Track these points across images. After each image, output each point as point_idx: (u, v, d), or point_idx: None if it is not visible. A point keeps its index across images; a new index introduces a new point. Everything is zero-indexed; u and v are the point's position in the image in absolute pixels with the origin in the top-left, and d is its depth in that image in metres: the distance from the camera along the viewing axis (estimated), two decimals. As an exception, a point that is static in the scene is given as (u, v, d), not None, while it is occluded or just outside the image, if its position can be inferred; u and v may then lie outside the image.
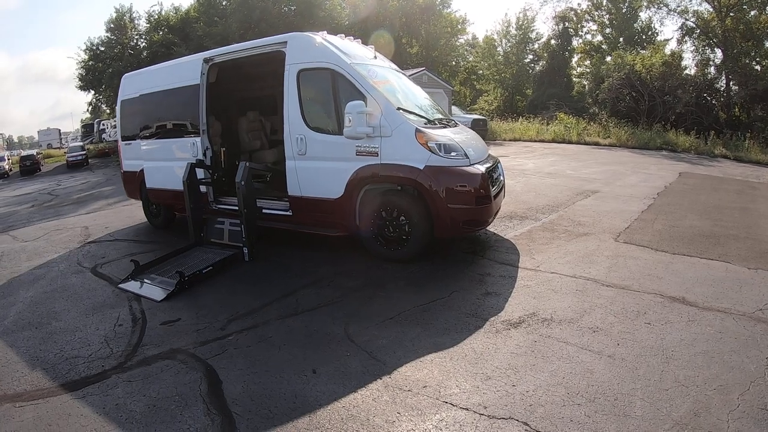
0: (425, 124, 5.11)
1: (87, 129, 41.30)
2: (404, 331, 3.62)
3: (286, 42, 5.47)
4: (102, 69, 29.47)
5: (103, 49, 30.64)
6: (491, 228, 6.23)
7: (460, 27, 29.94)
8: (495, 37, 35.15)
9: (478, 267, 4.88)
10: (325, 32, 5.58)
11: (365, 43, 6.18)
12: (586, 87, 31.40)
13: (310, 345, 3.53)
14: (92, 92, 32.50)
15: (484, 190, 4.78)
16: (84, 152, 29.73)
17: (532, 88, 33.45)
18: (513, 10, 77.92)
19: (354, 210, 5.16)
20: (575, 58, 34.88)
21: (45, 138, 58.82)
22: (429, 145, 4.72)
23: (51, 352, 3.82)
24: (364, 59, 5.50)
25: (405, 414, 2.66)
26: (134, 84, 7.30)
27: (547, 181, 10.01)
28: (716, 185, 9.74)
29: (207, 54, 6.29)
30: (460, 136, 5.24)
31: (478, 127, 21.07)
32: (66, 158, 30.48)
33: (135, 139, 7.37)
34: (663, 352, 3.05)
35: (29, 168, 29.10)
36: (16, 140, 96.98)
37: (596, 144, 18.46)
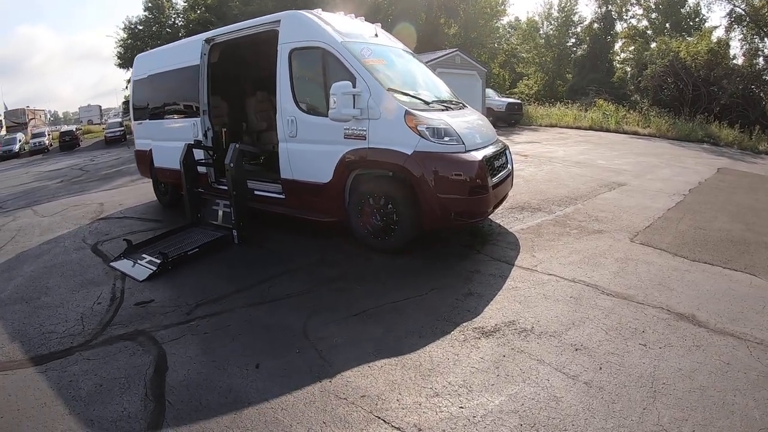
0: (422, 106, 4.62)
1: (127, 105, 42.92)
2: (365, 331, 3.28)
3: (279, 21, 5.12)
4: (140, 47, 29.70)
5: (141, 27, 30.94)
6: (497, 219, 5.72)
7: (500, 8, 28.21)
8: (537, 18, 33.22)
9: (470, 262, 4.41)
10: (320, 9, 5.14)
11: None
12: (628, 73, 29.08)
13: (264, 337, 3.31)
14: (130, 70, 33.14)
15: (480, 180, 4.28)
16: (122, 128, 29.74)
17: (573, 72, 31.35)
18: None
19: (343, 196, 4.81)
20: (619, 44, 32.38)
21: (86, 114, 58.85)
22: (419, 128, 4.25)
23: (32, 326, 3.84)
24: (360, 37, 5.03)
25: (330, 425, 2.36)
26: (145, 64, 7.21)
27: (573, 170, 9.21)
28: (756, 184, 8.58)
29: (209, 34, 6.02)
30: (458, 119, 4.70)
31: (512, 111, 20.08)
32: (104, 134, 30.84)
33: (144, 119, 7.30)
34: (652, 384, 2.53)
35: (68, 143, 29.19)
36: (61, 116, 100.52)
37: (635, 133, 16.98)
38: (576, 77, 30.21)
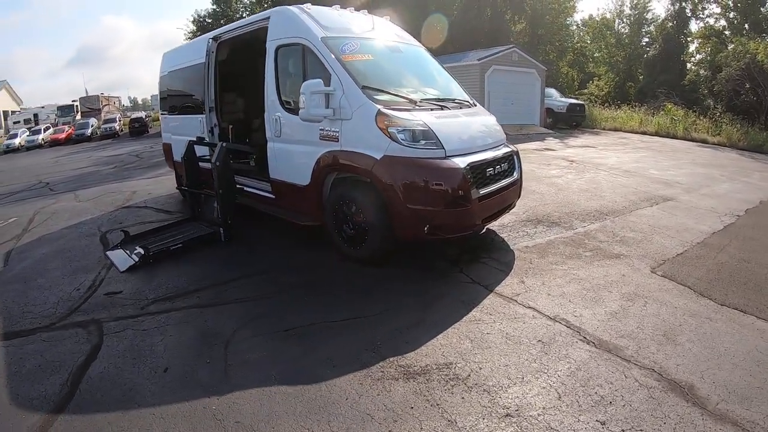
0: (406, 105, 4.02)
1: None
2: (284, 350, 2.92)
3: (269, 17, 4.81)
4: None
5: (209, 21, 30.77)
6: (505, 232, 4.99)
7: (568, 5, 25.74)
8: (608, 16, 30.03)
9: (444, 283, 3.78)
10: (309, 4, 4.70)
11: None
12: (702, 76, 25.38)
13: (190, 342, 3.14)
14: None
15: (459, 190, 3.64)
16: None
17: (644, 73, 27.98)
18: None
19: (321, 199, 4.39)
20: (694, 45, 28.35)
21: (157, 102, 64.11)
22: (389, 130, 3.68)
23: (18, 304, 3.99)
24: (348, 32, 4.52)
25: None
26: (167, 61, 7.30)
27: (617, 180, 7.99)
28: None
29: (216, 32, 5.84)
30: (447, 120, 4.05)
31: (574, 112, 18.37)
32: None
33: (165, 113, 7.46)
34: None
35: (137, 129, 29.09)
36: (140, 102, 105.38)
37: (703, 141, 14.72)
38: (646, 79, 26.87)
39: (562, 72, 26.77)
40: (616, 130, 17.76)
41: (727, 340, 2.85)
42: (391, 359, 2.72)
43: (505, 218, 5.44)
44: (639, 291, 3.56)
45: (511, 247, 4.55)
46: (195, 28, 30.93)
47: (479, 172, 3.81)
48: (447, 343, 2.88)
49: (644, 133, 16.37)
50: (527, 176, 8.48)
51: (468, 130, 4.18)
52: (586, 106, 19.85)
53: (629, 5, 30.98)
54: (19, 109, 42.26)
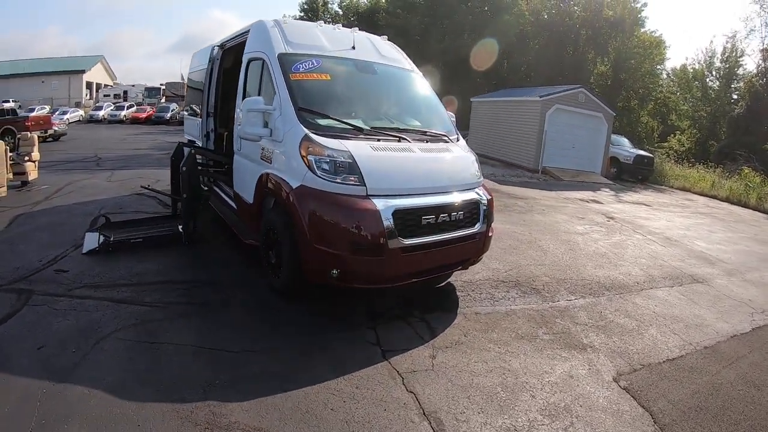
0: (344, 132, 3.50)
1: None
2: (130, 361, 2.79)
3: (249, 30, 4.62)
4: None
5: None
6: (464, 289, 4.31)
7: (656, 51, 23.17)
8: (696, 66, 26.60)
9: (340, 339, 3.19)
10: (285, 16, 4.39)
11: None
12: None
13: (74, 329, 3.11)
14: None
15: (373, 237, 3.07)
16: None
17: (727, 132, 24.24)
18: (720, 39, 54.47)
19: (259, 220, 4.08)
20: None
21: None
22: (308, 158, 3.26)
23: None
24: (316, 49, 4.11)
25: None
26: (192, 62, 7.49)
27: (650, 247, 6.76)
28: None
29: (224, 39, 5.78)
30: (385, 154, 3.45)
31: (641, 165, 16.49)
32: None
33: (185, 113, 7.65)
34: None
35: None
36: None
37: (776, 214, 12.43)
38: (728, 138, 23.23)
39: (641, 121, 24.23)
40: (684, 189, 15.61)
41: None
42: (210, 402, 2.41)
43: (479, 273, 4.72)
44: (575, 404, 2.72)
45: (459, 311, 3.85)
46: None
47: (410, 219, 3.22)
48: (277, 406, 2.42)
49: (714, 197, 14.17)
50: (545, 228, 7.62)
51: (413, 168, 3.54)
52: (655, 159, 17.66)
53: (720, 58, 27.55)
54: (112, 84, 45.45)
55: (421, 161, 3.58)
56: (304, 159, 3.24)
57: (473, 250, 3.79)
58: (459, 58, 25.61)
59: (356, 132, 3.53)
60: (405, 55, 5.01)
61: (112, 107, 32.11)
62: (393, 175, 3.33)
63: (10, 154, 6.98)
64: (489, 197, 3.93)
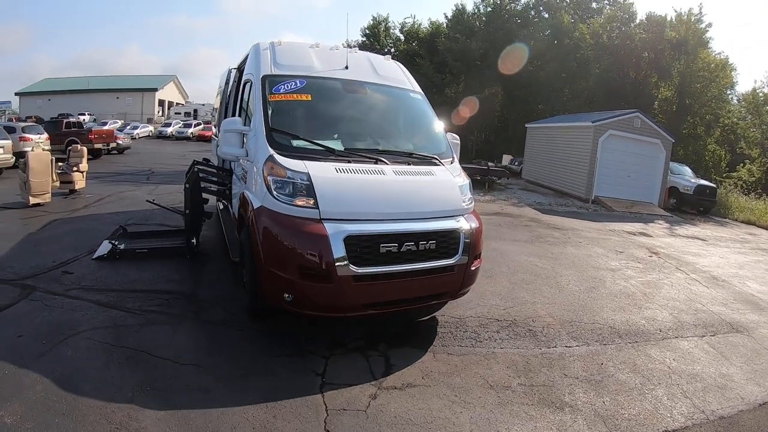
0: (315, 153, 3.42)
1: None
2: (85, 360, 2.96)
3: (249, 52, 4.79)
4: None
5: None
6: (446, 326, 4.01)
7: (722, 74, 20.97)
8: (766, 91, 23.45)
9: (282, 365, 3.10)
10: (281, 39, 4.53)
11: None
12: None
13: (53, 324, 3.40)
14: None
15: (319, 262, 2.97)
16: None
17: None
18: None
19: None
20: None
21: None
22: (268, 179, 3.24)
23: (13, 259, 4.83)
24: (305, 70, 4.08)
25: None
26: (221, 80, 7.76)
27: (690, 288, 6.00)
28: None
29: (240, 61, 6.07)
30: (349, 177, 3.30)
31: (703, 196, 15.02)
32: None
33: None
34: None
35: None
36: None
37: None
38: None
39: (708, 149, 22.06)
40: (749, 223, 13.91)
41: None
42: (132, 406, 2.52)
43: (472, 309, 4.43)
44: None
45: (432, 349, 3.55)
46: None
47: (366, 246, 3.05)
48: (189, 421, 2.43)
49: (783, 233, 12.35)
50: (573, 262, 7.04)
51: (377, 192, 3.33)
52: (719, 190, 15.95)
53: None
54: (184, 102, 49.05)
55: (388, 185, 3.37)
56: (265, 180, 3.24)
57: (450, 283, 3.51)
58: (519, 83, 25.17)
59: (327, 153, 3.46)
60: (408, 75, 4.87)
61: (180, 124, 34.63)
62: (352, 200, 3.19)
63: (59, 164, 7.78)
64: (474, 226, 3.65)
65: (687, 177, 15.87)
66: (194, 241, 5.22)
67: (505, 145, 25.32)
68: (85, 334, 3.29)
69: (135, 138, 27.24)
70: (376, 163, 3.54)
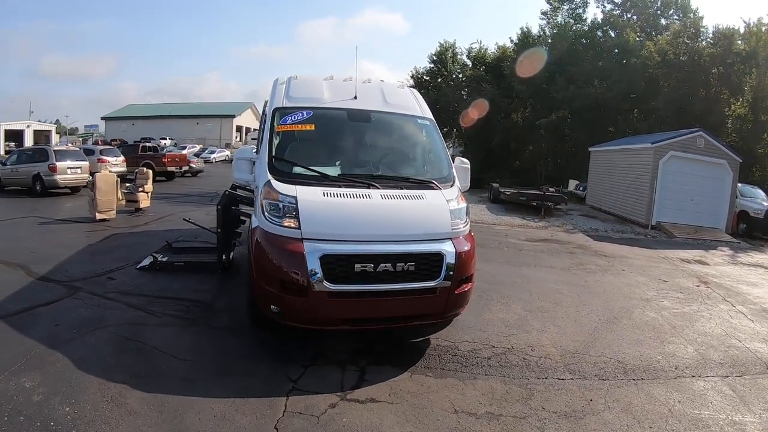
0: (312, 180, 3.71)
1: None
2: (98, 345, 3.58)
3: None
4: (423, 95, 31.17)
5: (427, 78, 31.82)
6: (438, 349, 3.99)
7: None
8: None
9: (263, 367, 3.42)
10: (296, 74, 4.92)
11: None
12: None
13: (85, 319, 4.05)
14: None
15: (295, 277, 3.27)
16: None
17: None
18: None
19: None
20: None
21: None
22: (263, 202, 3.63)
23: (72, 265, 5.77)
24: (313, 101, 4.41)
25: None
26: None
27: (733, 322, 5.45)
28: None
29: None
30: (334, 200, 3.54)
31: (771, 219, 13.25)
32: None
33: None
34: None
35: None
36: None
37: None
38: None
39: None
40: None
41: None
42: (126, 386, 3.01)
43: (469, 334, 4.37)
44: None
45: (412, 369, 3.59)
46: (413, 83, 31.17)
47: (341, 265, 3.29)
48: (164, 404, 2.83)
49: None
50: (605, 291, 6.79)
51: (359, 215, 3.52)
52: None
53: None
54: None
55: (372, 209, 3.56)
56: (261, 202, 3.65)
57: (432, 305, 3.60)
58: (586, 105, 24.34)
59: (321, 179, 3.76)
60: (421, 102, 5.03)
61: (255, 149, 37.81)
62: (333, 221, 3.42)
63: (126, 184, 8.94)
64: (464, 250, 3.72)
65: (759, 200, 14.24)
66: (225, 257, 5.71)
67: (576, 169, 24.35)
68: (110, 328, 3.92)
69: (212, 162, 29.73)
70: (368, 187, 3.74)
